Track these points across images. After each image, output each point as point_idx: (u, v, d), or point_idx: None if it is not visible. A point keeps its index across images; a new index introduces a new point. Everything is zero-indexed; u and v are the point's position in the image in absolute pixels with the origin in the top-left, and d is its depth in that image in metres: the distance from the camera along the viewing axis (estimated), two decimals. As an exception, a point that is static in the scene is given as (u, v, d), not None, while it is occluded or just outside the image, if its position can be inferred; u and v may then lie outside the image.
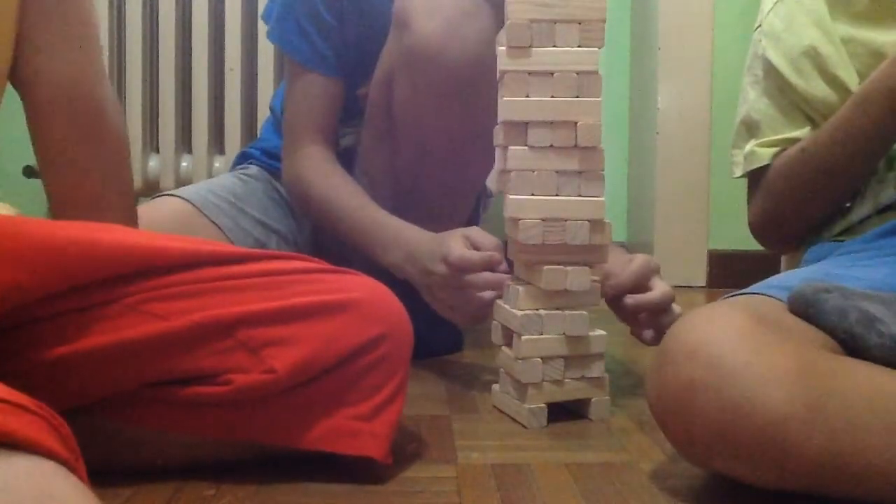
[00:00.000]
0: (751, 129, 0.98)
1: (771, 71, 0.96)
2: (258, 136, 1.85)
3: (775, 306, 0.70)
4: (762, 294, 0.74)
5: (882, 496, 0.60)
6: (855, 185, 0.89)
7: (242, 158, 1.35)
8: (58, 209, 0.79)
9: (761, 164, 0.96)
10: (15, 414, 0.38)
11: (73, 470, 0.39)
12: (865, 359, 0.64)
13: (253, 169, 1.30)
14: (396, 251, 1.03)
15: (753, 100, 0.98)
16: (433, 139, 1.08)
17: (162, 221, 1.11)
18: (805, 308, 0.68)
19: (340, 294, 0.70)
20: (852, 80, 0.89)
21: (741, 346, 0.61)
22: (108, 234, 0.68)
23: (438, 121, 1.06)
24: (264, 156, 1.31)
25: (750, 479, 0.63)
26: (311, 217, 1.21)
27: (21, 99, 0.77)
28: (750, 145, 0.97)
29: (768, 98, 0.97)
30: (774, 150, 0.95)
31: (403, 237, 1.03)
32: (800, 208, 0.94)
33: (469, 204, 1.23)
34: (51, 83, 0.76)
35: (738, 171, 1.00)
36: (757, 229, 1.00)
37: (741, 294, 0.75)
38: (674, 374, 0.63)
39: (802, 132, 0.94)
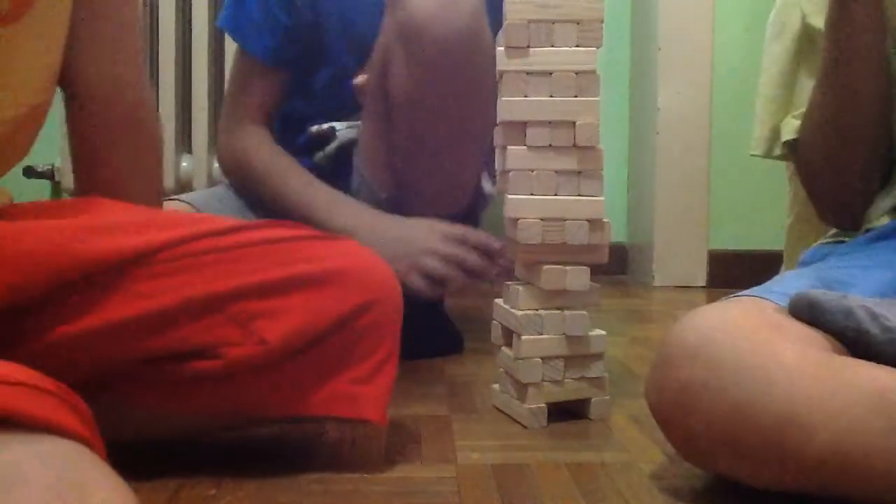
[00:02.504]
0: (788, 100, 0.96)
1: (817, 35, 0.92)
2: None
3: (776, 310, 0.70)
4: (762, 298, 0.73)
5: (885, 498, 0.59)
6: (878, 114, 0.86)
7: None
8: None
9: (796, 136, 0.93)
10: (34, 396, 0.39)
11: (92, 448, 0.39)
12: (872, 355, 0.64)
13: None
14: (344, 215, 1.10)
15: (787, 71, 0.95)
16: (428, 116, 1.08)
17: None
18: (808, 308, 0.67)
19: (328, 262, 0.71)
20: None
21: (742, 347, 0.61)
22: (96, 235, 0.68)
23: (433, 95, 1.06)
24: None
25: (751, 480, 0.62)
26: (249, 189, 1.23)
27: (64, 97, 0.79)
28: (788, 117, 0.95)
29: (810, 66, 0.93)
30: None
31: (351, 203, 1.12)
32: (842, 161, 0.89)
33: (468, 188, 1.21)
34: (94, 83, 0.78)
35: (778, 150, 0.96)
36: (821, 207, 0.95)
37: (741, 296, 0.75)
38: (674, 374, 0.63)
39: None
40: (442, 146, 1.11)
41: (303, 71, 1.25)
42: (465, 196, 1.21)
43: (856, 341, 0.65)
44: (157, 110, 0.87)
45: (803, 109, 0.93)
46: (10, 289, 0.63)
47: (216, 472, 0.70)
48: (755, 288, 0.76)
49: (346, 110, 1.22)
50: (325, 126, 1.24)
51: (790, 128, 0.94)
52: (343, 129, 1.24)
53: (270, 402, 0.70)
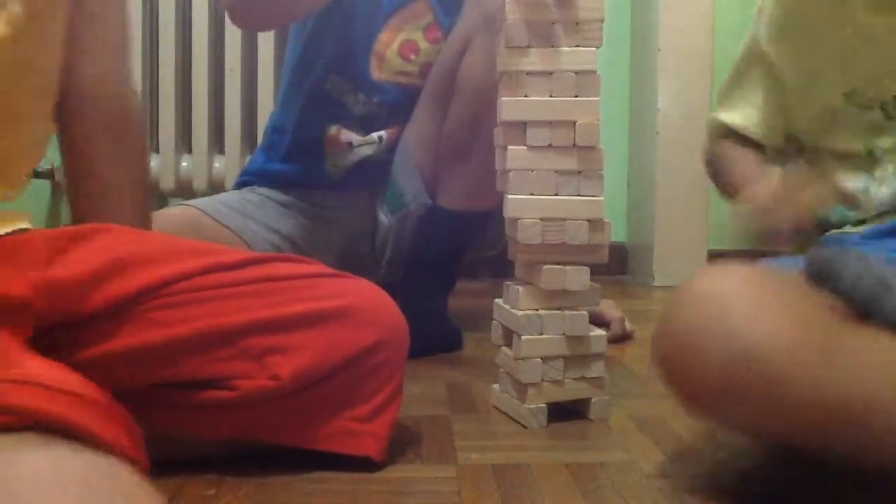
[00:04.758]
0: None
1: (766, 59, 0.98)
2: (257, 137, 1.87)
3: (787, 273, 0.69)
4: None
5: (890, 453, 0.59)
6: None
7: (243, 184, 1.37)
8: (74, 199, 0.81)
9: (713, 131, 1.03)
10: (86, 408, 0.39)
11: (134, 462, 0.39)
12: (878, 322, 0.63)
13: (260, 189, 1.32)
14: None
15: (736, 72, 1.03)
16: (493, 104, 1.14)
17: (177, 228, 1.14)
18: (824, 266, 0.66)
19: (340, 300, 0.72)
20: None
21: (750, 297, 0.61)
22: (118, 260, 0.68)
23: None
24: (264, 179, 1.32)
25: (755, 429, 0.62)
26: None
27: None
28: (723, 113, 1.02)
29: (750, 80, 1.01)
30: (723, 123, 1.01)
31: None
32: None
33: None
34: (84, 82, 0.78)
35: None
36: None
37: None
38: (683, 321, 0.63)
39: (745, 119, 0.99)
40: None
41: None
42: (494, 196, 1.24)
43: (862, 303, 0.63)
44: (143, 104, 0.88)
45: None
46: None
47: (216, 472, 0.71)
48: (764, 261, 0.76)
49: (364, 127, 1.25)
50: (343, 139, 1.25)
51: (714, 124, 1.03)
52: (360, 146, 1.26)
53: (276, 432, 0.71)
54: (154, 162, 1.96)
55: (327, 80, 1.24)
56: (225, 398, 0.69)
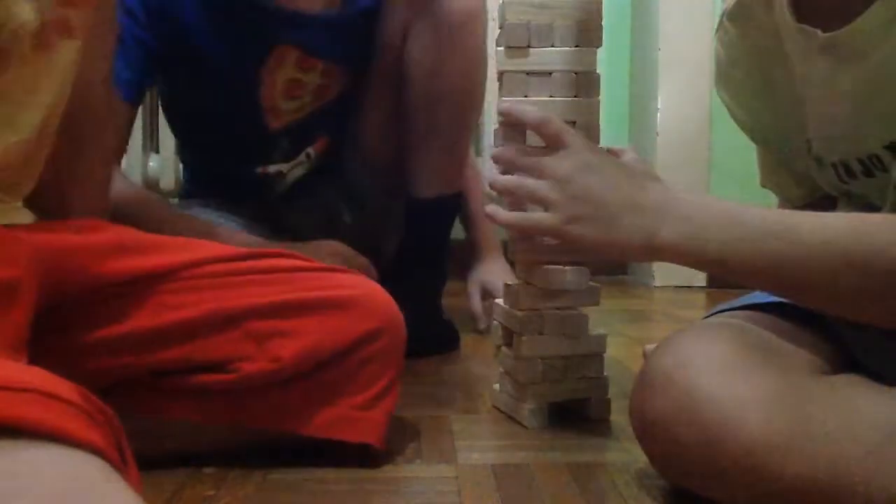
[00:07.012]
0: None
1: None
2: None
3: (765, 322, 0.69)
4: (753, 307, 0.73)
5: None
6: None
7: (188, 194, 1.38)
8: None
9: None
10: (42, 402, 0.38)
11: (109, 459, 0.39)
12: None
13: (215, 211, 1.28)
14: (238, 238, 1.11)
15: None
16: (444, 85, 1.15)
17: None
18: None
19: (340, 290, 0.74)
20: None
21: (718, 372, 0.61)
22: (125, 254, 0.70)
23: (452, 60, 1.13)
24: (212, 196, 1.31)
25: (724, 499, 0.62)
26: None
27: None
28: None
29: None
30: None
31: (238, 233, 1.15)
32: None
33: (464, 168, 1.27)
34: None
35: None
36: None
37: (731, 309, 0.74)
38: (652, 401, 0.63)
39: None
40: (452, 117, 1.17)
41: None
42: (461, 176, 1.26)
43: None
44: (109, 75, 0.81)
45: None
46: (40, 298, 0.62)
47: (216, 472, 0.71)
48: (748, 295, 0.76)
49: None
50: (272, 171, 1.24)
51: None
52: (291, 170, 1.26)
53: (275, 419, 0.72)
54: (154, 162, 1.96)
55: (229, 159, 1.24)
56: (225, 381, 0.70)
